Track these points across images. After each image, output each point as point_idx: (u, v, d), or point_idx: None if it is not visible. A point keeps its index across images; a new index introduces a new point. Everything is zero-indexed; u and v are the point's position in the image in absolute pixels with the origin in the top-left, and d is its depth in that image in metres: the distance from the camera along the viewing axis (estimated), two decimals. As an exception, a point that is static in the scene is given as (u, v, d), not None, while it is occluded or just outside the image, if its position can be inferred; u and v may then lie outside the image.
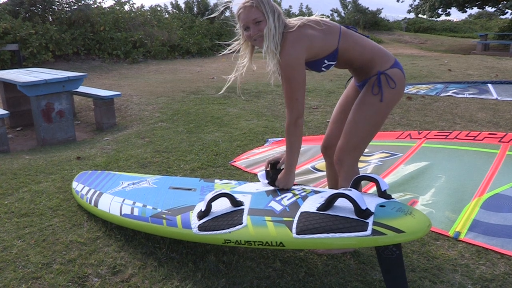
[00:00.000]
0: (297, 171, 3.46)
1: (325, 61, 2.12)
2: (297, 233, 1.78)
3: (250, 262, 2.25)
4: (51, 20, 11.64)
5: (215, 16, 16.76)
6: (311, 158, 3.78)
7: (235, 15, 2.14)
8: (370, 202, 1.82)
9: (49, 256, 2.31)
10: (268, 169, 2.35)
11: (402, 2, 23.69)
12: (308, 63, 2.12)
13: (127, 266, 2.22)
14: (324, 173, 3.21)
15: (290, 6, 21.85)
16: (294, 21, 2.11)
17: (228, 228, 1.94)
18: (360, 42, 2.17)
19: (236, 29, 2.22)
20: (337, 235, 1.71)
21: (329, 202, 1.83)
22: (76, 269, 2.19)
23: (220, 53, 2.37)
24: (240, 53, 2.26)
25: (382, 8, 23.19)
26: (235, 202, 2.10)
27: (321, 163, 3.58)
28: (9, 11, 10.99)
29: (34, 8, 11.49)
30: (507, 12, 22.31)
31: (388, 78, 2.11)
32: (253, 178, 3.45)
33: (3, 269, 2.19)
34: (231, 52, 2.30)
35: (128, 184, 2.82)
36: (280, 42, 2.04)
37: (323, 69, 2.17)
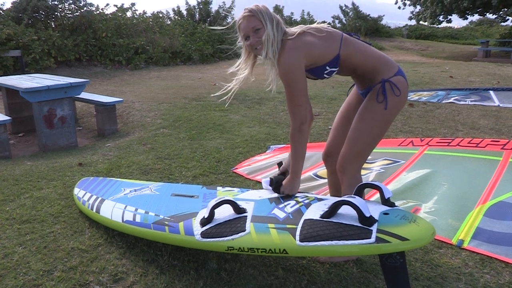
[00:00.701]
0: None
1: (327, 68, 2.13)
2: (301, 240, 1.78)
3: (252, 270, 2.23)
4: (53, 26, 11.69)
5: (217, 22, 16.82)
6: (313, 165, 3.77)
7: (236, 28, 2.17)
8: (373, 209, 1.82)
9: (50, 263, 2.30)
10: (272, 177, 2.35)
11: (403, 9, 23.76)
12: (309, 70, 2.12)
13: (129, 274, 2.21)
14: (326, 180, 3.20)
15: (292, 13, 21.93)
16: (294, 29, 2.13)
17: (231, 235, 1.93)
18: (363, 49, 2.17)
19: (238, 42, 2.24)
20: (340, 242, 1.70)
21: (333, 210, 1.83)
22: (78, 276, 2.18)
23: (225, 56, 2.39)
24: (241, 65, 2.28)
25: (383, 15, 23.26)
26: (238, 209, 2.09)
27: (323, 170, 3.57)
28: (12, 17, 11.04)
29: (37, 14, 11.55)
30: (508, 19, 22.35)
31: (393, 86, 2.11)
32: (255, 185, 3.44)
33: (4, 276, 2.18)
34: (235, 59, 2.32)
35: (130, 191, 2.81)
36: (279, 49, 2.07)
37: (325, 75, 2.17)
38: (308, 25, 2.15)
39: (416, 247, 1.66)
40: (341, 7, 23.16)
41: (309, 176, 3.55)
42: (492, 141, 3.67)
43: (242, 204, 2.15)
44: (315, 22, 2.23)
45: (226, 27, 2.36)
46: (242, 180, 3.58)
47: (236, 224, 1.99)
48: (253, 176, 3.62)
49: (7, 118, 4.61)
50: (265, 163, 3.85)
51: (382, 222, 1.73)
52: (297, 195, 2.22)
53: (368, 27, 21.93)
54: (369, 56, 2.17)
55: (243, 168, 3.81)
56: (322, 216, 1.85)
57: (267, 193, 2.33)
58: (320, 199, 2.10)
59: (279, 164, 2.42)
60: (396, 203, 2.46)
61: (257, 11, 2.09)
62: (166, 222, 2.23)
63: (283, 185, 2.24)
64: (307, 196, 2.16)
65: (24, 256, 2.36)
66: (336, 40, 2.12)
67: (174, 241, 2.15)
